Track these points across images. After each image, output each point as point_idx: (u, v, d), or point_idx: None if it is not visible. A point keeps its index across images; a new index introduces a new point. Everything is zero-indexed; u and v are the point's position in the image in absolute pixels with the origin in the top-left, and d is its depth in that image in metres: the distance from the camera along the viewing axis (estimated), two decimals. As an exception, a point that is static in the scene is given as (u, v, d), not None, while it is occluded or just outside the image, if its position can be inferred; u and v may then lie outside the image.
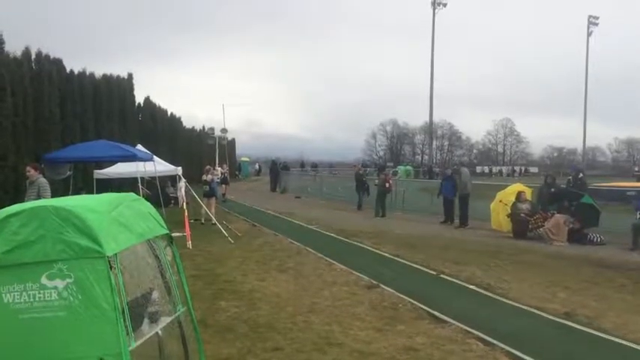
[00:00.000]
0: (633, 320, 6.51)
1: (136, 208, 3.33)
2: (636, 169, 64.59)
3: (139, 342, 3.03)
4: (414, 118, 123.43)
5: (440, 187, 17.64)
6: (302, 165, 56.32)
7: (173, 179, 21.26)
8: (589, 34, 64.61)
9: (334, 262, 9.97)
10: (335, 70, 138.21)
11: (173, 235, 3.90)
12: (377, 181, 20.20)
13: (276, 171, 34.59)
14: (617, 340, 5.81)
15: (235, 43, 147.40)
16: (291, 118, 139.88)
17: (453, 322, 6.38)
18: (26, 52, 17.63)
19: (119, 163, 17.42)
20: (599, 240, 12.98)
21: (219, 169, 24.74)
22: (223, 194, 24.12)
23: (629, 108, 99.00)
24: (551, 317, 6.72)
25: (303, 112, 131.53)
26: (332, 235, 13.88)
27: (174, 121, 36.23)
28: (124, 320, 2.82)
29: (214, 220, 14.68)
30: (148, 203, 3.60)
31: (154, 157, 16.61)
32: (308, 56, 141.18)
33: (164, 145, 29.12)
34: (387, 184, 19.45)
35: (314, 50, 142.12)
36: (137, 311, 3.18)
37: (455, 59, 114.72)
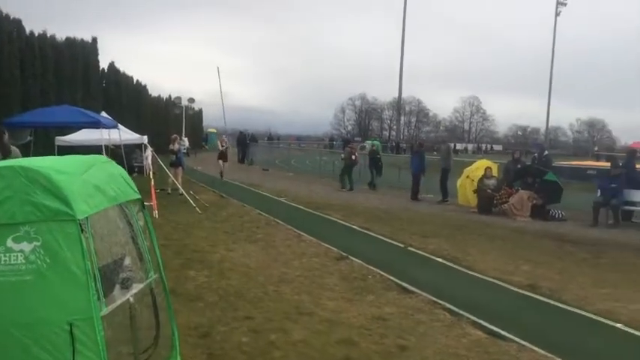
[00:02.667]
0: (593, 293, 6.72)
1: (108, 170, 3.21)
2: (596, 149, 66.51)
3: (110, 307, 2.95)
4: (383, 93, 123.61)
5: (410, 163, 17.69)
6: (270, 137, 56.06)
7: (139, 148, 20.87)
8: (557, 14, 65.30)
9: (303, 233, 9.98)
10: (305, 44, 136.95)
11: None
12: (343, 154, 20.26)
13: (244, 143, 34.29)
14: (578, 311, 6.00)
15: (203, 13, 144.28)
16: (260, 91, 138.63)
17: (421, 292, 6.47)
18: (-16, 11, 16.83)
19: (82, 130, 16.97)
20: (560, 216, 13.34)
21: (218, 142, 22.22)
22: (221, 173, 20.83)
23: (592, 90, 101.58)
24: (515, 289, 6.88)
25: (271, 85, 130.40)
26: (301, 207, 13.88)
27: (140, 89, 35.36)
28: (96, 285, 2.74)
29: (181, 191, 14.48)
30: (120, 166, 3.48)
31: (119, 125, 16.23)
32: (278, 29, 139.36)
33: (129, 113, 28.50)
34: (354, 157, 19.54)
35: (284, 23, 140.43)
36: (108, 277, 3.09)
37: (425, 36, 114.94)
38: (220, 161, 20.92)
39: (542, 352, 4.75)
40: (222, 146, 21.11)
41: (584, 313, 5.94)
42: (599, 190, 13.37)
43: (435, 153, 45.61)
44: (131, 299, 3.35)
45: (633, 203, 13.13)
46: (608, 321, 5.66)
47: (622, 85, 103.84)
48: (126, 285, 3.30)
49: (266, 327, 5.19)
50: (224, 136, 23.09)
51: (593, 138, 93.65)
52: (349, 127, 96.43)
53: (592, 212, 12.84)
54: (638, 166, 14.37)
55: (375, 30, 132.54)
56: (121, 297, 3.20)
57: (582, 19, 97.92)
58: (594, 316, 5.81)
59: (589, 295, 6.67)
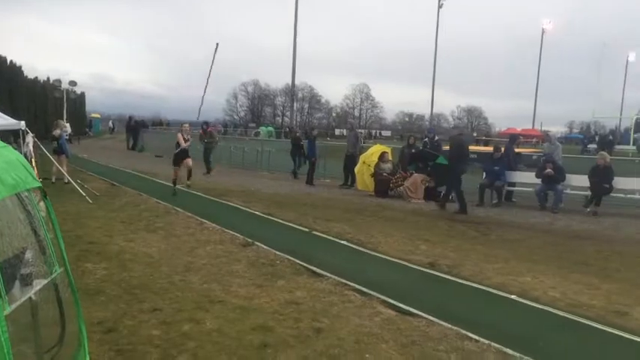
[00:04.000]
0: (487, 268, 7.20)
1: (5, 156, 2.87)
2: (475, 134, 71.22)
3: (13, 306, 2.66)
4: (276, 79, 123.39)
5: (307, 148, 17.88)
6: (160, 123, 54.02)
7: (15, 135, 19.10)
8: (440, 6, 68.50)
9: (206, 221, 9.71)
10: (196, 28, 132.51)
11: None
12: (205, 138, 20.06)
13: (135, 129, 32.69)
14: (477, 285, 6.39)
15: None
16: (147, 76, 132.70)
17: (330, 275, 6.55)
18: None
19: (-51, 115, 15.19)
20: (450, 197, 14.09)
21: (179, 135, 13.72)
22: (189, 176, 13.90)
23: (471, 79, 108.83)
24: (417, 267, 7.20)
25: (159, 69, 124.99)
26: (200, 194, 13.49)
27: (14, 70, 32.36)
28: (-3, 283, 2.45)
29: (68, 179, 13.52)
30: (17, 152, 3.13)
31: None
32: (167, 11, 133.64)
33: (1, 96, 26.04)
34: (218, 139, 19.83)
35: (173, 5, 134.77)
36: (9, 273, 2.79)
37: (318, 23, 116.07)
38: (189, 160, 13.75)
39: (449, 325, 4.99)
40: (186, 140, 13.67)
41: (481, 287, 6.34)
42: (484, 173, 14.33)
43: (328, 139, 46.47)
44: (33, 296, 3.06)
45: (514, 184, 14.25)
46: (504, 293, 6.09)
47: (496, 76, 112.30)
48: (27, 281, 3.00)
49: (176, 318, 4.99)
50: (186, 125, 14.86)
51: (471, 124, 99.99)
52: (242, 113, 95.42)
53: (478, 193, 13.73)
54: (517, 150, 15.56)
55: (267, 15, 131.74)
56: (22, 295, 2.91)
57: (463, 13, 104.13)
58: (491, 290, 6.22)
59: (483, 270, 7.13)
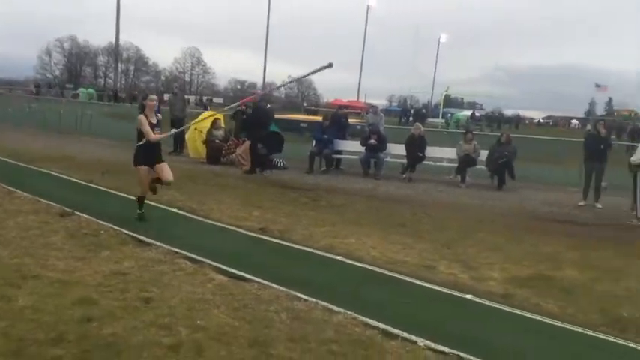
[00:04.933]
0: (316, 232, 7.54)
1: None
2: (305, 104, 73.47)
3: None
4: (97, 37, 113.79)
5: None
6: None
7: None
8: (272, -26, 68.40)
9: (15, 190, 8.74)
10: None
11: None
12: None
13: None
14: (305, 248, 6.66)
15: None
16: None
17: (160, 244, 6.33)
18: None
19: None
20: (282, 165, 14.45)
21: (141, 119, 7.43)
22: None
23: (302, 50, 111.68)
24: (249, 233, 7.28)
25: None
26: (7, 160, 12.06)
27: None
28: None
29: None
30: None
31: None
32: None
33: None
34: None
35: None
36: None
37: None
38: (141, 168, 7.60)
39: (280, 287, 5.14)
40: (154, 126, 7.58)
41: (310, 249, 6.62)
42: (314, 141, 14.88)
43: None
44: None
45: (341, 152, 15.03)
46: (330, 254, 6.44)
47: (325, 48, 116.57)
48: None
49: (-19, 297, 4.45)
50: (154, 97, 8.03)
51: (302, 94, 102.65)
52: (57, 72, 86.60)
53: (308, 161, 14.25)
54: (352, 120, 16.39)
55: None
56: None
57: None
58: (319, 252, 6.53)
59: (313, 233, 7.46)
